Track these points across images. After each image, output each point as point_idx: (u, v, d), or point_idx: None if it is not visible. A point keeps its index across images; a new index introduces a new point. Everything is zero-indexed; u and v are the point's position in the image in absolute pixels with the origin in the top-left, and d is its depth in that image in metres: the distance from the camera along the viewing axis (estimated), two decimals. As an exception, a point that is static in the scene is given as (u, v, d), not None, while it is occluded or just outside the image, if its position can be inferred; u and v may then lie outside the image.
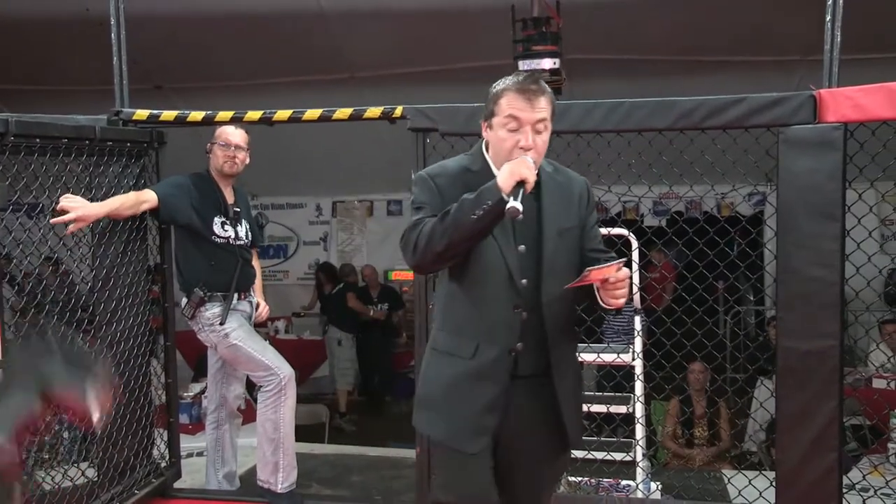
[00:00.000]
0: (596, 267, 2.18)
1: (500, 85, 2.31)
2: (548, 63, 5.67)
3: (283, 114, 3.91)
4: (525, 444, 2.36)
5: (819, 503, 3.35)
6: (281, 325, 8.83)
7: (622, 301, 2.23)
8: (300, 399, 4.29)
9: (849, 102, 3.24)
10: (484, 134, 2.35)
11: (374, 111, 3.82)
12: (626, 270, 2.21)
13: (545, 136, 2.28)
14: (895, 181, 3.44)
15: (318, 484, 4.40)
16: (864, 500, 3.50)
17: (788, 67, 6.39)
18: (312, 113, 3.89)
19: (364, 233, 9.72)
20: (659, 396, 4.69)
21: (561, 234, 2.34)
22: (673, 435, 5.25)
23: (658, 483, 4.02)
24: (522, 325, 2.30)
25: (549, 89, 2.28)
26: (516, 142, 2.25)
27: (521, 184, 2.11)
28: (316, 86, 7.39)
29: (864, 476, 3.90)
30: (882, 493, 3.70)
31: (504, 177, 2.12)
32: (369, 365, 8.72)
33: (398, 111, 3.79)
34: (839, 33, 3.31)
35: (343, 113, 3.87)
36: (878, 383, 5.55)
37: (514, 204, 2.07)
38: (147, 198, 3.75)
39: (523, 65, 5.71)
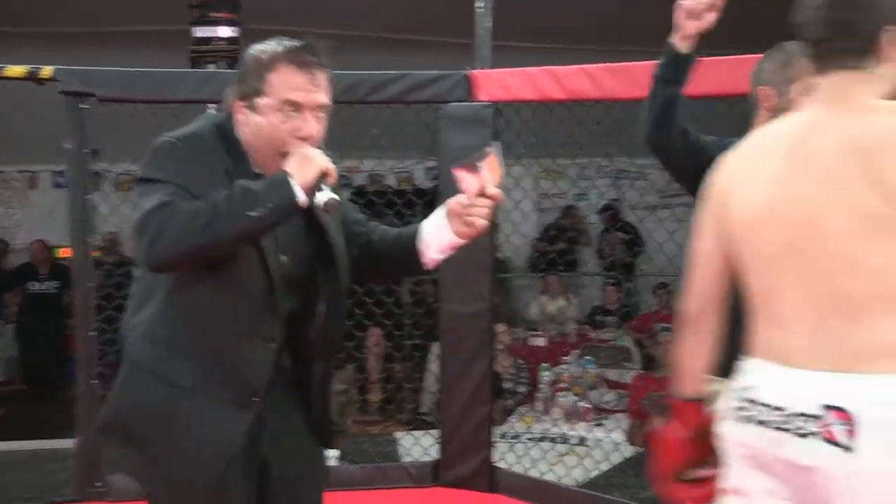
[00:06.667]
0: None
1: (264, 55, 1.76)
2: (225, 31, 5.50)
3: None
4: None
5: (475, 453, 3.65)
6: (-73, 310, 7.79)
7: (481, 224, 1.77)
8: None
9: (497, 83, 3.54)
10: (239, 116, 1.79)
11: (16, 70, 3.44)
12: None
13: (324, 123, 1.79)
14: (537, 158, 3.82)
15: (-42, 489, 3.91)
16: (511, 446, 3.88)
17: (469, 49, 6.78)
18: (-65, 69, 3.42)
19: (26, 207, 8.84)
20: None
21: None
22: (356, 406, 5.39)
23: (335, 450, 4.11)
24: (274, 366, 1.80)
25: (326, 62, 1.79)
26: (294, 128, 1.74)
27: (323, 176, 1.69)
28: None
29: (513, 425, 4.32)
30: (527, 437, 4.13)
31: (299, 167, 1.66)
32: (35, 349, 7.92)
33: (46, 71, 3.45)
34: (490, 19, 3.60)
35: (-22, 71, 3.44)
36: (533, 341, 6.23)
37: (332, 195, 1.69)
38: None
39: (199, 32, 5.50)
